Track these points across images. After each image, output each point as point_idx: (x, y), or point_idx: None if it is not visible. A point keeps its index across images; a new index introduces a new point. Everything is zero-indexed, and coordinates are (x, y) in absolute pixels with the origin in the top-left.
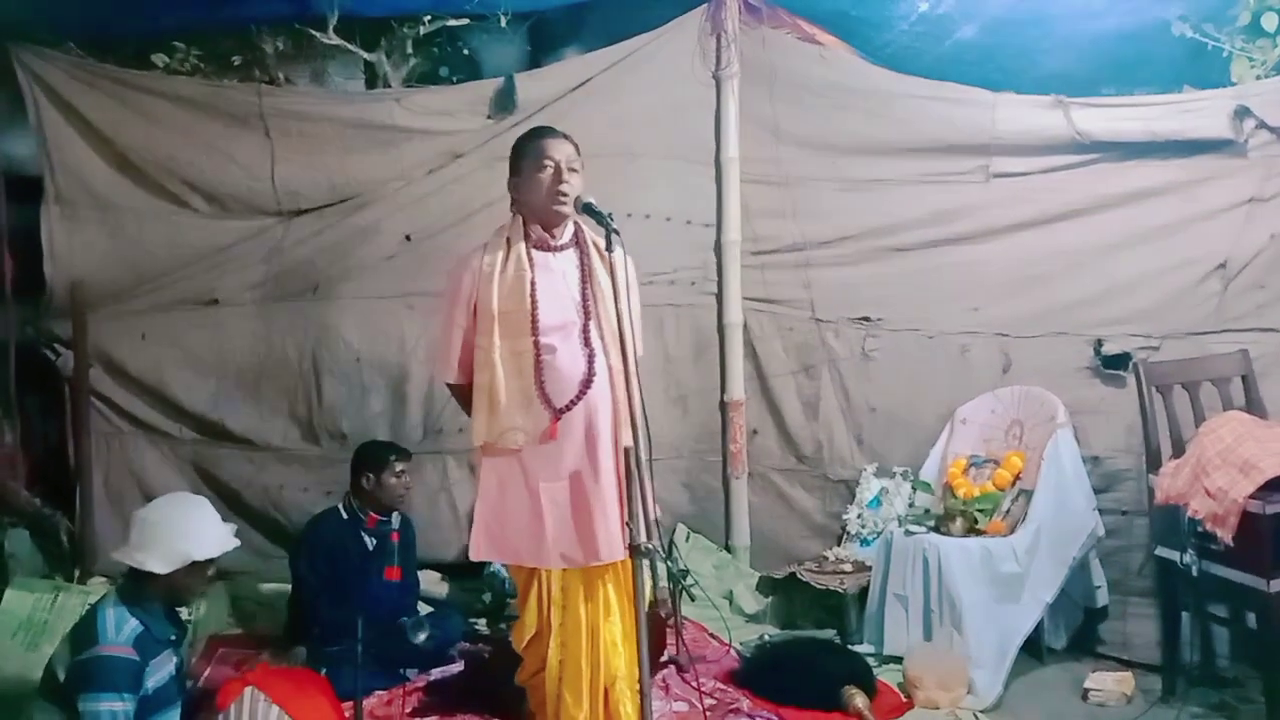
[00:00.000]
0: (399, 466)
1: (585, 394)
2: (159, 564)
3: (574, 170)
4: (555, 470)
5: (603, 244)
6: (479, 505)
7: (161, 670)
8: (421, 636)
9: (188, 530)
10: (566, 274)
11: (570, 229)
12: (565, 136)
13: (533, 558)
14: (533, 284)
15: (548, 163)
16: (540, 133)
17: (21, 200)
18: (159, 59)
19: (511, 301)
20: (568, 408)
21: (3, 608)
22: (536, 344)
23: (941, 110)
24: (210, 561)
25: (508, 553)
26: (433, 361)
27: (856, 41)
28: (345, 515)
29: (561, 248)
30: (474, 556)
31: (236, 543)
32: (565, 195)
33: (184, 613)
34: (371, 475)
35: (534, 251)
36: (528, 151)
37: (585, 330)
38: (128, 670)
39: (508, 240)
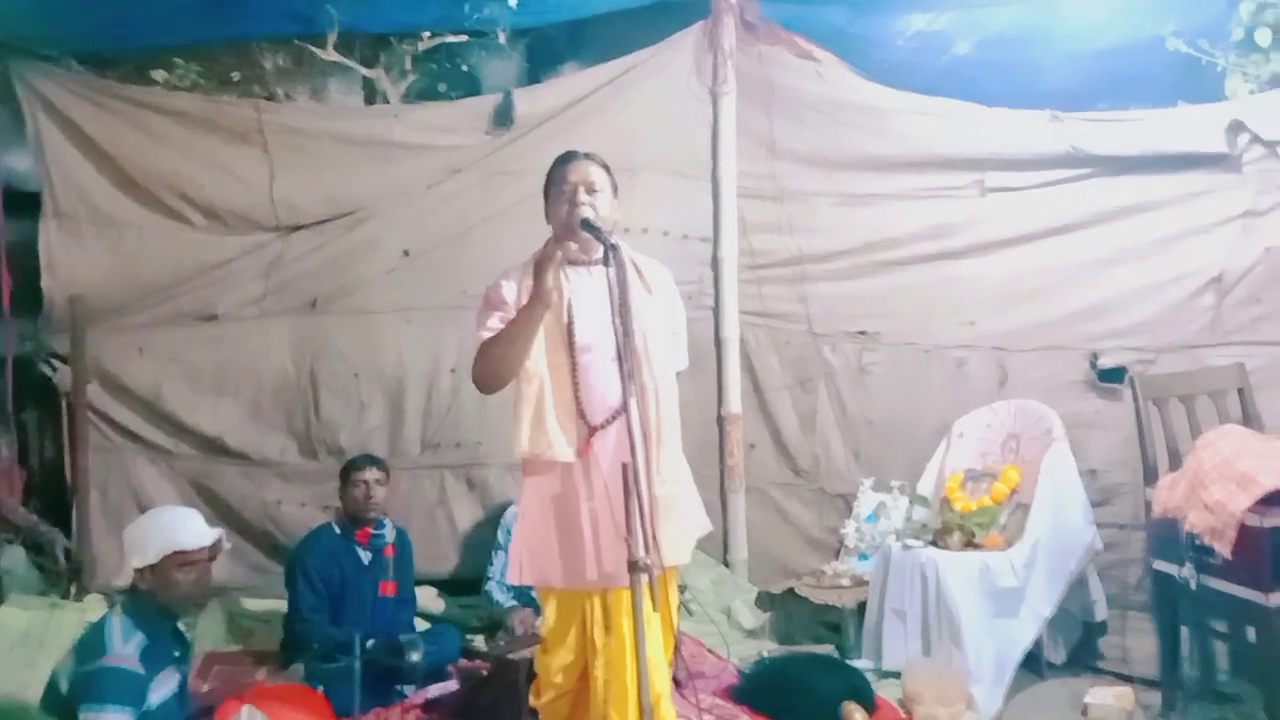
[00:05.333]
0: (361, 476)
1: (620, 413)
2: (142, 557)
3: (596, 191)
4: (592, 489)
5: (640, 262)
6: (520, 527)
7: (164, 687)
8: (415, 656)
9: (169, 524)
10: (603, 291)
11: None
12: (589, 157)
13: (575, 579)
14: (568, 300)
15: (566, 185)
16: (564, 157)
17: (20, 215)
18: (159, 75)
19: (549, 317)
20: (603, 425)
21: None
22: (572, 360)
23: (937, 125)
24: (198, 562)
25: (551, 575)
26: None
27: (853, 58)
28: (338, 530)
29: (594, 264)
30: (514, 580)
31: (218, 533)
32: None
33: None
34: (340, 487)
35: (568, 269)
36: (552, 175)
37: (620, 348)
38: (133, 683)
39: (543, 252)
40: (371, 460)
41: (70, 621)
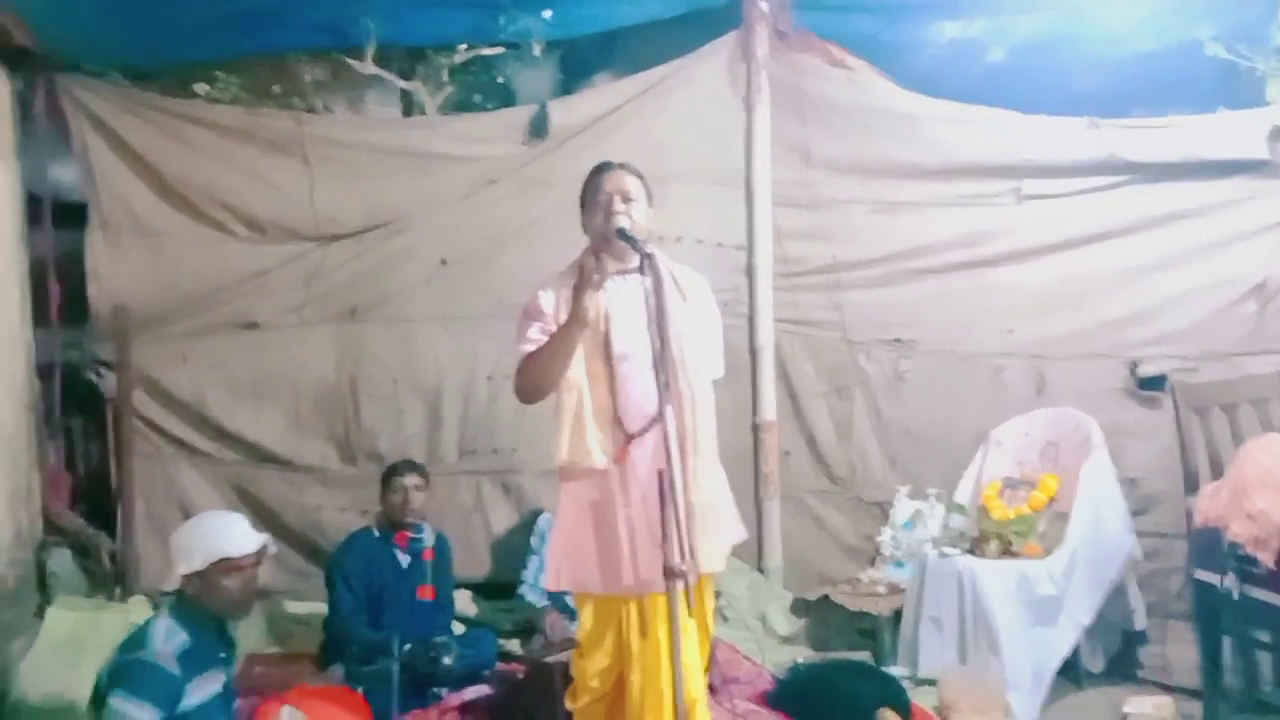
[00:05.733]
0: (402, 482)
1: (657, 421)
2: (188, 564)
3: (631, 200)
4: (629, 496)
5: (676, 271)
6: (557, 534)
7: (206, 688)
8: (448, 659)
9: (215, 531)
10: (640, 300)
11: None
12: (624, 167)
13: (612, 585)
14: (605, 310)
15: (601, 195)
16: (600, 167)
17: (67, 226)
18: (200, 88)
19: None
20: (640, 433)
21: (45, 626)
22: (610, 368)
23: (972, 133)
24: (245, 568)
25: (588, 581)
26: (517, 344)
27: (886, 65)
28: (377, 533)
29: (631, 273)
30: (551, 587)
31: (264, 539)
32: (620, 225)
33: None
34: (382, 492)
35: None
36: (588, 185)
37: (659, 357)
38: (164, 682)
39: (581, 268)
40: (411, 466)
41: (115, 624)
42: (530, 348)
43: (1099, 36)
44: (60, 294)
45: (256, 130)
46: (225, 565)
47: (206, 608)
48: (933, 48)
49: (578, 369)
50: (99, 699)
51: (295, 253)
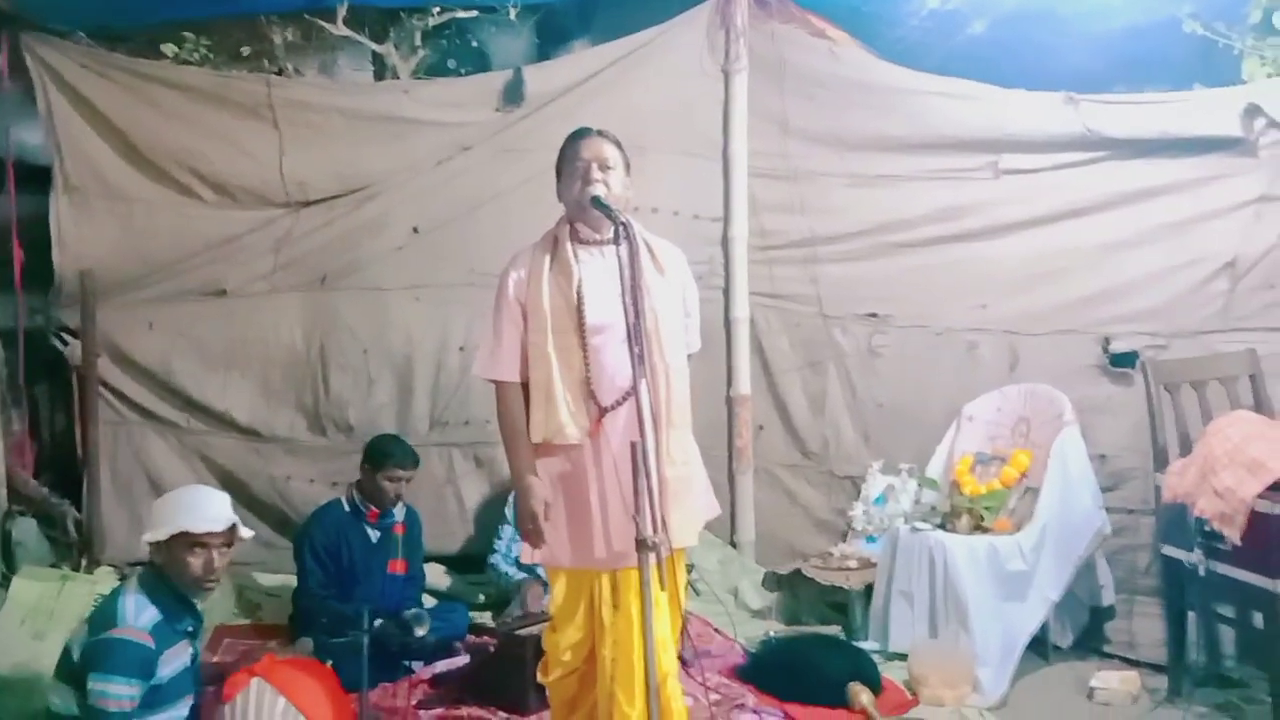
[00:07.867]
0: (397, 473)
1: (631, 394)
2: (154, 533)
3: (609, 168)
4: (601, 469)
5: (652, 242)
6: None
7: (176, 660)
8: (421, 630)
9: (186, 504)
10: (615, 272)
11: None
12: (602, 134)
13: (583, 558)
14: (579, 281)
15: (579, 163)
16: (577, 134)
17: (31, 189)
18: (169, 49)
19: (559, 299)
20: (613, 406)
21: (10, 596)
22: (583, 341)
23: (951, 106)
24: (208, 547)
25: (560, 554)
26: (478, 355)
27: (867, 37)
28: (348, 507)
29: (607, 243)
30: (525, 559)
31: (232, 520)
32: (595, 193)
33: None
34: (369, 469)
35: (580, 249)
36: (564, 152)
37: (633, 328)
38: (141, 656)
39: (555, 239)
40: (414, 459)
41: (80, 594)
42: (497, 368)
43: (1079, 11)
44: (24, 258)
45: (226, 93)
46: (188, 539)
47: (170, 580)
48: (913, 19)
49: (547, 343)
50: (66, 670)
51: (265, 219)
